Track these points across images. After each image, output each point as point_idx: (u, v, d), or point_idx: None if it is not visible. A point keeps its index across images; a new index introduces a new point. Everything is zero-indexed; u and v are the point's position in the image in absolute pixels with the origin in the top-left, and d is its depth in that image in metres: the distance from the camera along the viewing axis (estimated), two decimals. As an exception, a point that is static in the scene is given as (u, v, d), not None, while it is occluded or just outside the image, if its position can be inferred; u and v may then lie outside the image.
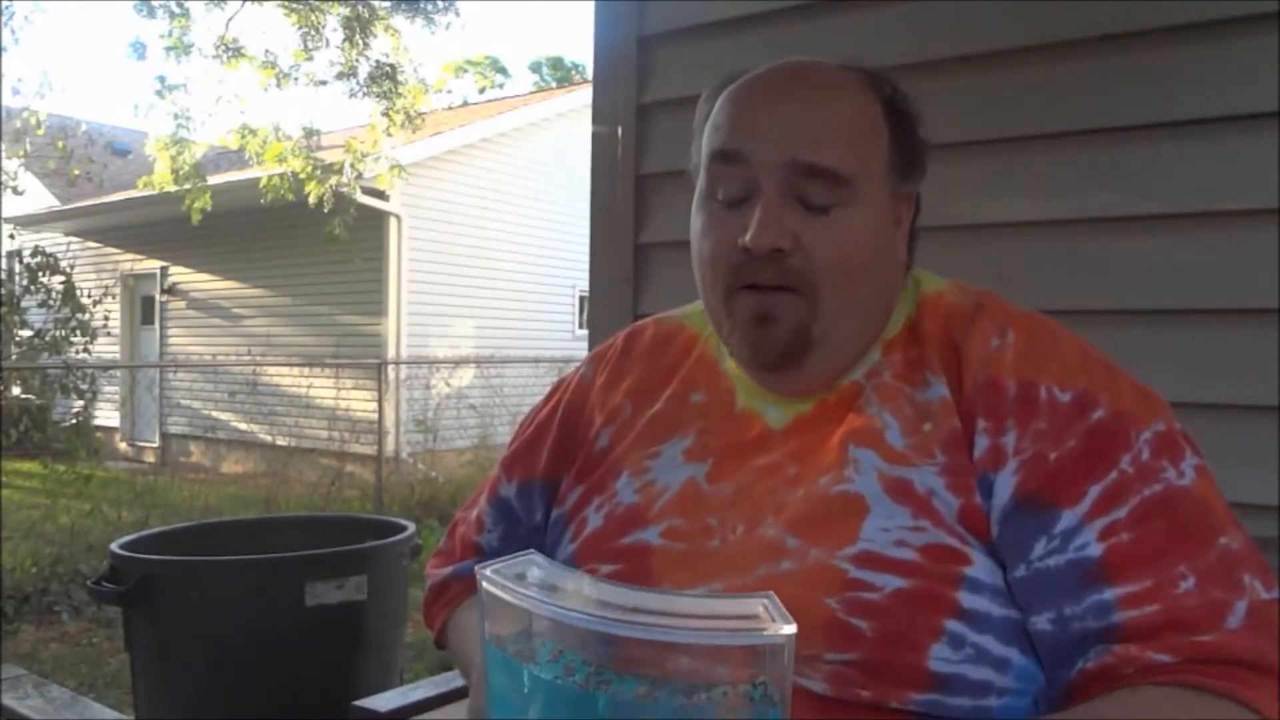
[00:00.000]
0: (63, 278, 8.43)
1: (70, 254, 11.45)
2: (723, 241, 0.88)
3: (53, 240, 12.28)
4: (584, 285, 2.62)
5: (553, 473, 1.02)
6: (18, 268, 8.38)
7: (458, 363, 10.21)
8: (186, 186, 9.85)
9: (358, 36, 9.85)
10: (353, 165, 9.30)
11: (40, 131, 11.25)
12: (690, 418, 0.95)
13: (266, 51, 10.07)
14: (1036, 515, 0.81)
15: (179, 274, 12.09)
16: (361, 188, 9.51)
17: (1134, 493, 0.80)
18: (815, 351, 0.88)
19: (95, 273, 12.04)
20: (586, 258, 2.29)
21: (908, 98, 0.93)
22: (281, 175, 9.47)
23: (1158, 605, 0.76)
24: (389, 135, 9.80)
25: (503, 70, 26.69)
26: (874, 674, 0.78)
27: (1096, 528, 0.79)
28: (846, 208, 0.87)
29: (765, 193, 0.86)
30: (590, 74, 2.46)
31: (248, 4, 9.86)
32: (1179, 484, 0.81)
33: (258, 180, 9.63)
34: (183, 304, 12.07)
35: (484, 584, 0.61)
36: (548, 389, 1.12)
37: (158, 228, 11.70)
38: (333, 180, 9.24)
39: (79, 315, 8.31)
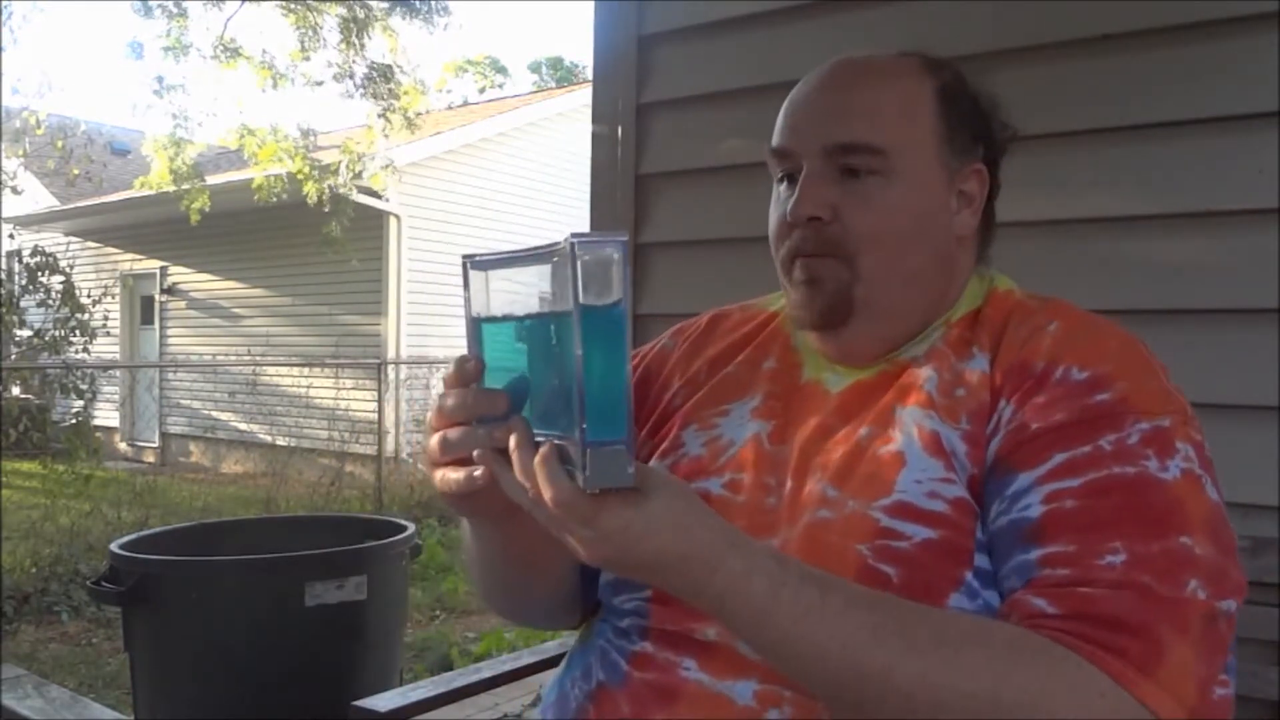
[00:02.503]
0: (62, 278, 8.42)
1: (70, 254, 11.44)
2: (779, 219, 0.96)
3: (52, 240, 12.27)
4: (584, 285, 2.62)
5: None
6: (17, 268, 8.38)
7: (457, 363, 10.19)
8: (185, 186, 9.84)
9: (355, 37, 9.85)
10: (349, 166, 9.29)
11: (40, 131, 11.25)
12: (760, 381, 1.00)
13: (264, 52, 10.08)
14: (999, 479, 0.82)
15: (178, 274, 12.09)
16: (359, 188, 9.52)
17: (1101, 467, 0.79)
18: (861, 315, 0.92)
19: (95, 273, 12.03)
20: (586, 258, 2.28)
21: (966, 79, 0.98)
22: (277, 176, 9.47)
23: (1071, 569, 0.76)
24: (386, 136, 9.80)
25: (503, 70, 26.68)
26: None
27: (1044, 491, 0.79)
28: (885, 177, 0.91)
29: (806, 171, 0.93)
30: (590, 74, 2.46)
31: (245, 4, 9.86)
32: (1157, 475, 0.79)
33: (256, 180, 9.63)
34: (182, 304, 12.07)
35: (471, 270, 0.77)
36: None
37: (157, 228, 11.70)
38: (330, 181, 9.23)
39: (78, 315, 8.31)
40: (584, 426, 0.65)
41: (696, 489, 0.91)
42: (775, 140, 0.97)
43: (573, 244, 0.65)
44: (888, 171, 0.91)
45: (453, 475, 0.77)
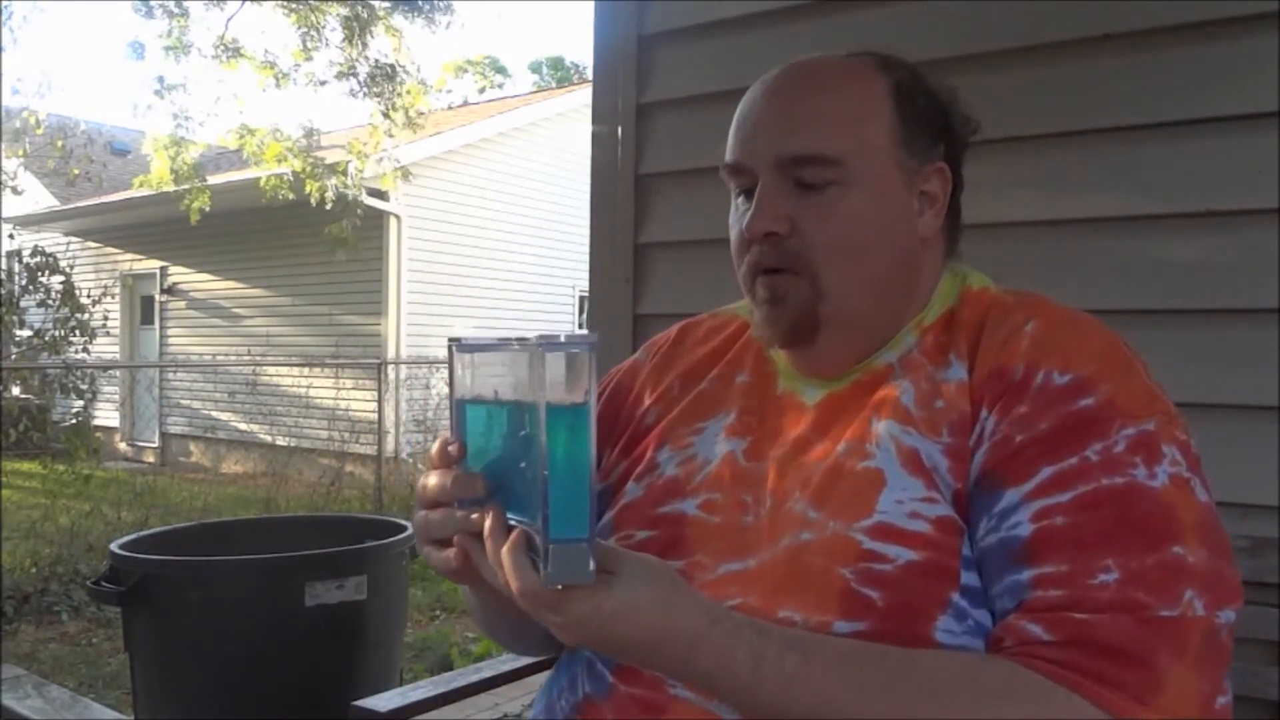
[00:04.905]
0: (62, 278, 8.41)
1: (70, 254, 11.43)
2: (737, 234, 0.94)
3: (52, 240, 12.26)
4: (584, 285, 2.63)
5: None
6: (17, 268, 8.37)
7: (457, 363, 10.18)
8: (185, 186, 9.84)
9: (357, 37, 9.85)
10: (357, 167, 9.29)
11: (40, 131, 11.25)
12: (734, 396, 0.98)
13: (266, 51, 10.08)
14: (985, 495, 0.81)
15: (179, 274, 12.09)
16: (368, 190, 9.51)
17: (1089, 480, 0.77)
18: (828, 329, 0.90)
19: (95, 273, 12.03)
20: (586, 258, 2.29)
21: (922, 76, 0.95)
22: (280, 176, 9.48)
23: (1064, 590, 0.75)
24: (390, 135, 9.80)
25: (503, 70, 26.66)
26: (883, 643, 0.79)
27: (1033, 508, 0.78)
28: (843, 186, 0.89)
29: (761, 185, 0.91)
30: (590, 74, 2.46)
31: (247, 4, 9.86)
32: (1146, 483, 0.77)
33: (257, 180, 9.63)
34: (182, 304, 12.07)
35: (456, 352, 0.79)
36: None
37: (157, 228, 11.70)
38: (335, 181, 9.23)
39: (78, 315, 8.30)
40: (547, 521, 0.67)
41: (672, 510, 0.92)
42: (728, 155, 0.94)
43: (543, 344, 0.68)
44: (844, 180, 0.88)
45: (436, 555, 0.81)
